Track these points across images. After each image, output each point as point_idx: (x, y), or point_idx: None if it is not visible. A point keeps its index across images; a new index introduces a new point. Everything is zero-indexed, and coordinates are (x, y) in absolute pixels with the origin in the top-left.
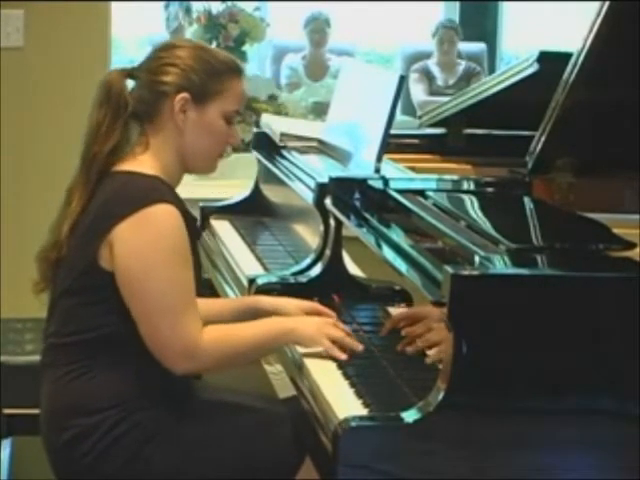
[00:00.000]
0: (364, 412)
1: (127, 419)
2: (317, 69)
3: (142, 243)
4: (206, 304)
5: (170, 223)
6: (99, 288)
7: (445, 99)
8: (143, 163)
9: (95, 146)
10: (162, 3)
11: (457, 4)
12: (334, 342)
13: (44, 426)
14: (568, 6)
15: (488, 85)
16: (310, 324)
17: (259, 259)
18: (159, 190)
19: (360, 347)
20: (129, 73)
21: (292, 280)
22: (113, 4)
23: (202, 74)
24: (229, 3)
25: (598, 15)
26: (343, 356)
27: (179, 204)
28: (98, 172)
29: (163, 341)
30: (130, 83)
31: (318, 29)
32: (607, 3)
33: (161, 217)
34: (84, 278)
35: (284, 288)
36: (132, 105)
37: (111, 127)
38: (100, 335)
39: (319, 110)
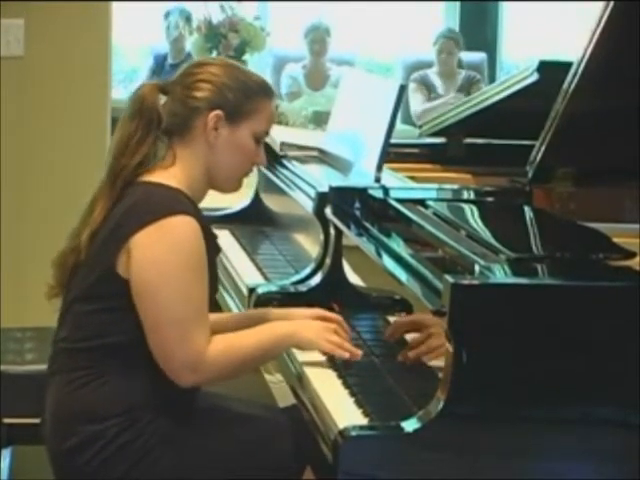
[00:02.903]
0: (364, 421)
1: (131, 428)
2: (317, 78)
3: (158, 252)
4: (212, 318)
5: (188, 235)
6: (114, 295)
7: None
8: (169, 176)
9: (123, 159)
10: (162, 12)
11: (457, 13)
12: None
13: (49, 432)
14: (568, 15)
15: (488, 94)
16: (310, 328)
17: (259, 268)
18: (180, 202)
19: (359, 353)
20: (162, 88)
21: (292, 289)
22: (114, 13)
23: (237, 92)
24: (229, 11)
25: (598, 24)
26: (345, 354)
27: (199, 218)
28: (123, 183)
29: (170, 352)
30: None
31: (318, 39)
32: (607, 11)
33: (179, 228)
34: (100, 284)
35: (284, 297)
36: (165, 120)
37: (141, 141)
38: (111, 343)
39: (319, 119)
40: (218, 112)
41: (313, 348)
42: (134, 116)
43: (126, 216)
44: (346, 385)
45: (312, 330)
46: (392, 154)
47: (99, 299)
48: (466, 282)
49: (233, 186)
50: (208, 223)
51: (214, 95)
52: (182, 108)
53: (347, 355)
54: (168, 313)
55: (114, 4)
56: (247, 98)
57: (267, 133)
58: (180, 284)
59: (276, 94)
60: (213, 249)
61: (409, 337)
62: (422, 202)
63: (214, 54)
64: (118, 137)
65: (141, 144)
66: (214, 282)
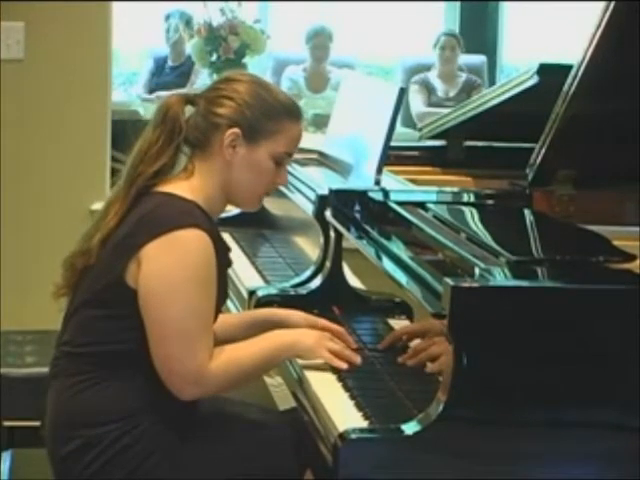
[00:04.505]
0: (364, 424)
1: (130, 433)
2: (318, 81)
3: (167, 265)
4: (217, 321)
5: (198, 248)
6: (121, 303)
7: (445, 111)
8: (185, 188)
9: (142, 166)
10: (162, 15)
11: (457, 16)
12: (333, 354)
13: (49, 435)
14: (568, 18)
15: (488, 97)
16: (309, 337)
17: (259, 271)
18: (193, 215)
19: (358, 360)
20: (189, 99)
21: (292, 292)
22: (114, 16)
23: (256, 111)
24: (229, 14)
25: (598, 27)
26: (344, 365)
27: (212, 232)
28: (138, 190)
29: (172, 365)
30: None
31: (320, 45)
32: (607, 14)
33: (190, 241)
34: (108, 291)
35: (284, 300)
36: (186, 131)
37: (162, 149)
38: (114, 350)
39: (319, 122)
40: (236, 130)
41: (314, 357)
42: (157, 125)
43: (138, 225)
44: (346, 388)
45: (311, 339)
46: (392, 157)
47: (105, 306)
48: (466, 285)
49: (250, 204)
50: (220, 235)
51: (234, 112)
52: (204, 122)
53: (345, 366)
54: (173, 326)
55: (114, 6)
56: (268, 118)
57: (289, 155)
58: (186, 298)
59: (302, 116)
60: (224, 262)
61: (412, 343)
62: (422, 205)
63: (214, 57)
64: (139, 144)
65: (161, 153)
66: (222, 294)
